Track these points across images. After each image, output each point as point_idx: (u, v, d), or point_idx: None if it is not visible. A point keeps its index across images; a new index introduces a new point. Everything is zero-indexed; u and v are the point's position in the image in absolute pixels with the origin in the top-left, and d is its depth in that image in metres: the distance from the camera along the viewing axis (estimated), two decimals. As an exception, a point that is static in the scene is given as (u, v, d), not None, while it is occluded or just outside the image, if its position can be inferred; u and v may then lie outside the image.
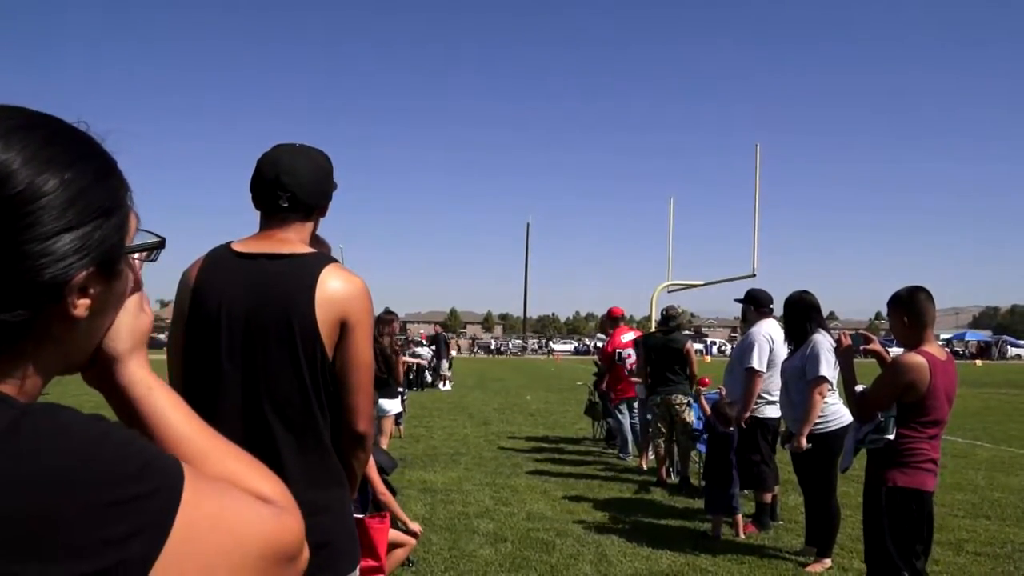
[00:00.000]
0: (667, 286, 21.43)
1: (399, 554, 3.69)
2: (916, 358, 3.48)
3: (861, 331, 3.96)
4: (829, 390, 4.99)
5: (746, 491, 6.31)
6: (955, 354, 69.56)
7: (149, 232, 0.82)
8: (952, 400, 3.60)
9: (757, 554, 5.26)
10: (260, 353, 1.80)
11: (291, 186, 1.90)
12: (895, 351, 3.97)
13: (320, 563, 1.80)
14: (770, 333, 6.01)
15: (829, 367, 4.91)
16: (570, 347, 79.81)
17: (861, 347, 3.83)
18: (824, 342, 4.96)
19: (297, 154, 1.97)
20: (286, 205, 1.90)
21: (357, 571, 1.95)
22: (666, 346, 7.69)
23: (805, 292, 5.27)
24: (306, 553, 0.79)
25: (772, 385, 5.89)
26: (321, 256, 1.91)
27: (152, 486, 0.64)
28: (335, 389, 1.85)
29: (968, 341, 77.67)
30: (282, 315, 1.79)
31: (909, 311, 3.60)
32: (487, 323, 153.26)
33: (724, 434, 5.85)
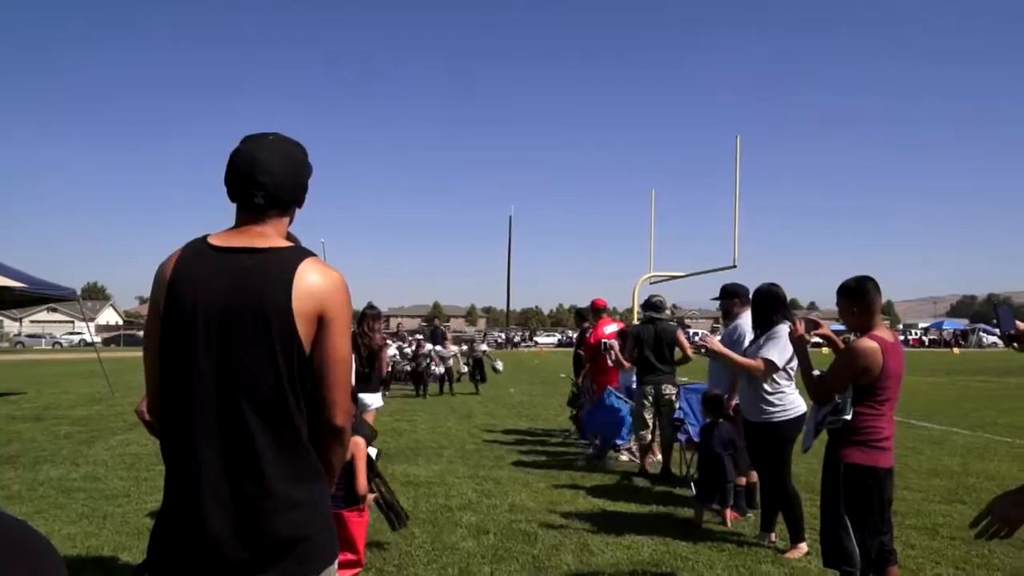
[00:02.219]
0: (649, 277, 21.51)
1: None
2: (870, 343, 3.66)
3: (811, 316, 4.14)
4: (787, 381, 5.14)
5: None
6: (932, 342, 70.22)
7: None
8: (901, 378, 3.80)
9: (736, 541, 5.32)
10: (236, 348, 1.79)
11: (267, 184, 1.89)
12: (836, 326, 4.09)
13: (298, 557, 1.81)
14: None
15: (782, 355, 5.02)
16: (554, 339, 80.00)
17: (812, 332, 4.06)
18: (784, 331, 5.03)
19: (272, 149, 1.94)
20: (261, 202, 1.89)
21: (335, 565, 1.96)
22: (658, 336, 7.77)
23: (773, 285, 5.34)
24: None
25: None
26: (299, 250, 1.90)
27: None
28: (312, 384, 1.85)
29: (944, 329, 78.65)
30: (259, 309, 1.79)
31: (859, 301, 3.78)
32: (470, 316, 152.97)
33: (712, 425, 5.91)
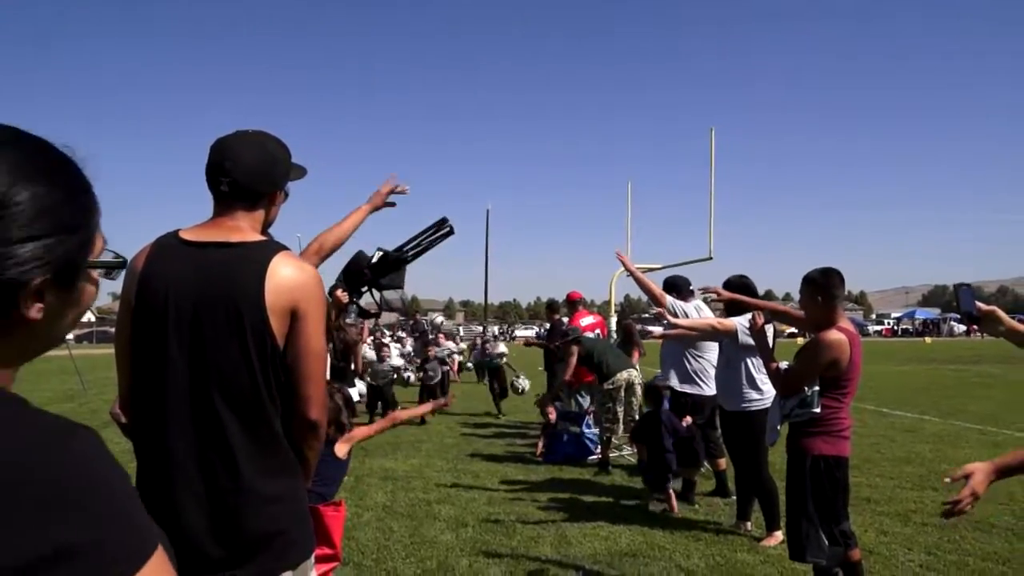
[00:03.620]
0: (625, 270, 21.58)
1: None
2: (838, 335, 3.68)
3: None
4: (759, 371, 5.17)
5: (704, 468, 6.48)
6: (904, 332, 71.12)
7: (113, 253, 0.88)
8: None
9: (713, 531, 5.37)
10: (208, 342, 1.77)
11: (232, 171, 1.88)
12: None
13: (274, 552, 1.80)
14: (682, 309, 6.20)
15: (745, 332, 5.03)
16: (531, 332, 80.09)
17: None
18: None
19: (245, 140, 1.95)
20: (226, 190, 1.89)
21: (312, 559, 1.95)
22: (620, 328, 7.90)
23: (743, 276, 5.39)
24: None
25: (704, 364, 6.29)
26: (271, 244, 1.88)
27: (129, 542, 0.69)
28: (287, 378, 1.83)
29: (916, 318, 79.83)
30: (230, 304, 1.77)
31: (823, 291, 3.78)
32: (448, 310, 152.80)
33: (654, 414, 6.02)
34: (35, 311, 0.76)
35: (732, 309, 5.33)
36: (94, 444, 0.72)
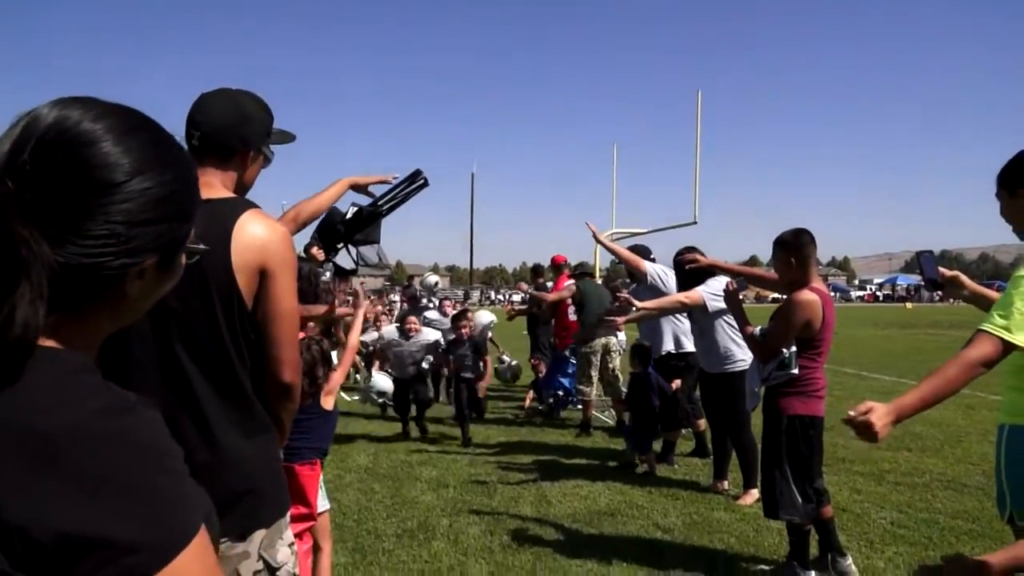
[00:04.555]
0: (611, 234, 21.53)
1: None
2: (810, 296, 3.71)
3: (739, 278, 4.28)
4: (730, 331, 5.20)
5: (685, 431, 6.54)
6: (886, 297, 71.82)
7: (194, 241, 0.93)
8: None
9: (692, 489, 5.45)
10: (174, 301, 1.73)
11: (202, 125, 1.86)
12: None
13: (247, 510, 1.79)
14: (657, 273, 6.25)
15: (715, 295, 5.04)
16: (516, 297, 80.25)
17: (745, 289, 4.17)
18: (718, 284, 5.06)
19: (221, 96, 1.92)
20: (196, 144, 1.86)
21: (287, 518, 1.95)
22: (603, 291, 7.85)
23: (692, 248, 5.39)
24: None
25: (684, 327, 6.25)
26: (240, 201, 1.85)
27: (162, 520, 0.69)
28: (257, 338, 1.81)
29: (898, 284, 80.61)
30: (196, 262, 1.74)
31: (796, 253, 3.80)
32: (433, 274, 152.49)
33: (643, 376, 6.04)
34: (135, 288, 0.81)
35: (691, 279, 5.32)
36: (152, 422, 0.74)
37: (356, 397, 5.58)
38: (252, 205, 1.84)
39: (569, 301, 8.47)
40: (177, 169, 0.83)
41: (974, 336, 2.15)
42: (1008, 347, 2.09)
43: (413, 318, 7.90)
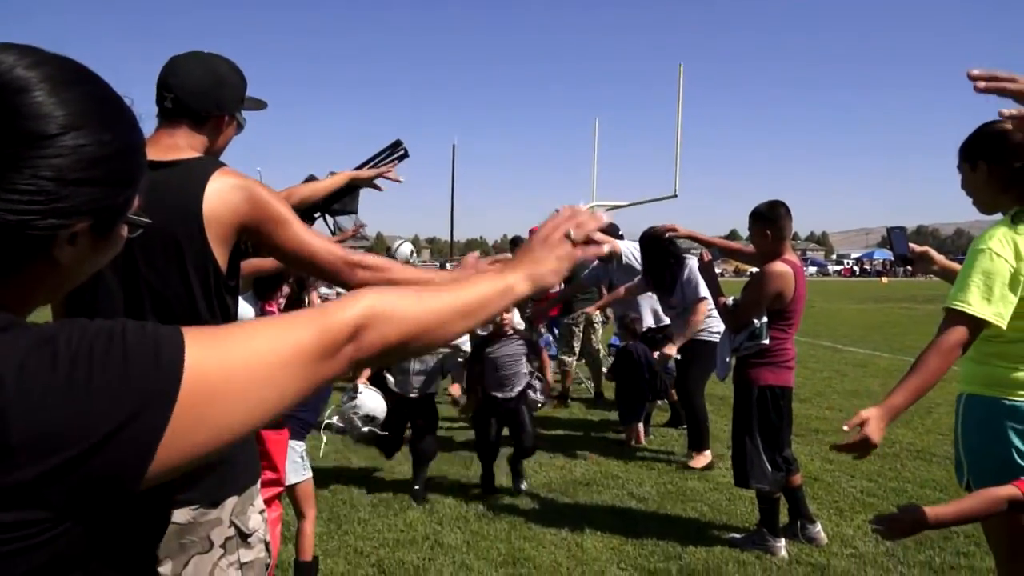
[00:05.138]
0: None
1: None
2: (782, 267, 3.75)
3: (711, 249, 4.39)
4: (709, 308, 5.26)
5: (660, 402, 6.60)
6: (863, 272, 72.74)
7: (139, 213, 0.87)
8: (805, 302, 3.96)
9: (665, 461, 5.51)
10: (144, 266, 1.70)
11: (176, 88, 1.81)
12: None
13: (219, 477, 1.78)
14: (631, 251, 6.27)
15: (707, 288, 5.09)
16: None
17: (719, 259, 4.24)
18: (692, 266, 5.14)
19: (194, 58, 1.88)
20: (170, 107, 1.82)
21: (258, 485, 1.94)
22: (584, 264, 7.81)
23: (652, 228, 5.40)
24: (350, 350, 0.84)
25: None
26: (209, 160, 1.80)
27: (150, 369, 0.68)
28: (232, 302, 1.78)
29: (875, 259, 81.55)
30: (166, 225, 1.69)
31: (772, 225, 3.82)
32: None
33: (632, 348, 6.06)
34: (67, 255, 0.76)
35: (656, 258, 5.36)
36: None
37: (334, 419, 4.55)
38: (220, 164, 1.80)
39: None
40: (119, 130, 0.78)
41: (944, 318, 2.20)
42: (978, 322, 2.13)
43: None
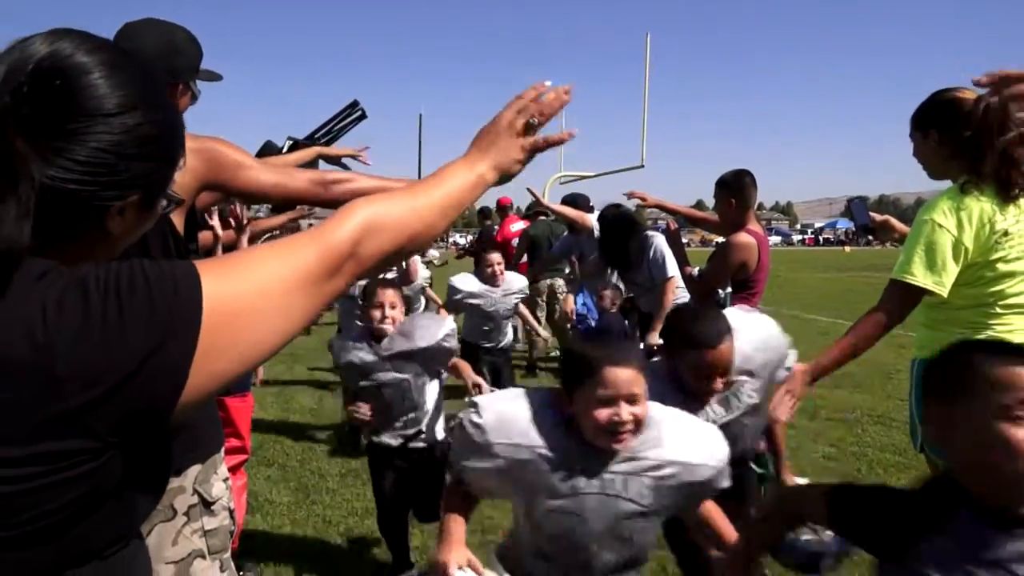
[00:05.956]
0: (559, 177, 21.53)
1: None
2: (746, 238, 3.76)
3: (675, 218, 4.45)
4: (678, 285, 5.22)
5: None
6: (826, 241, 73.68)
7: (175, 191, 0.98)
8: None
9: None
10: None
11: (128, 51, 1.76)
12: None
13: (181, 445, 1.75)
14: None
15: (674, 265, 5.03)
16: (465, 241, 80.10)
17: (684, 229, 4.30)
18: (659, 243, 5.03)
19: (148, 24, 1.83)
20: None
21: (221, 453, 1.93)
22: (550, 235, 7.80)
23: (615, 205, 5.33)
24: (351, 266, 0.89)
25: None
26: None
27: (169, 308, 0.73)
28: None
29: (838, 229, 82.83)
30: None
31: (737, 193, 3.82)
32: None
33: (607, 320, 6.11)
34: (117, 224, 0.83)
35: (616, 235, 5.29)
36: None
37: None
38: None
39: (514, 244, 8.42)
40: (166, 112, 0.86)
41: (887, 287, 2.31)
42: (918, 290, 2.22)
43: (495, 254, 5.00)
